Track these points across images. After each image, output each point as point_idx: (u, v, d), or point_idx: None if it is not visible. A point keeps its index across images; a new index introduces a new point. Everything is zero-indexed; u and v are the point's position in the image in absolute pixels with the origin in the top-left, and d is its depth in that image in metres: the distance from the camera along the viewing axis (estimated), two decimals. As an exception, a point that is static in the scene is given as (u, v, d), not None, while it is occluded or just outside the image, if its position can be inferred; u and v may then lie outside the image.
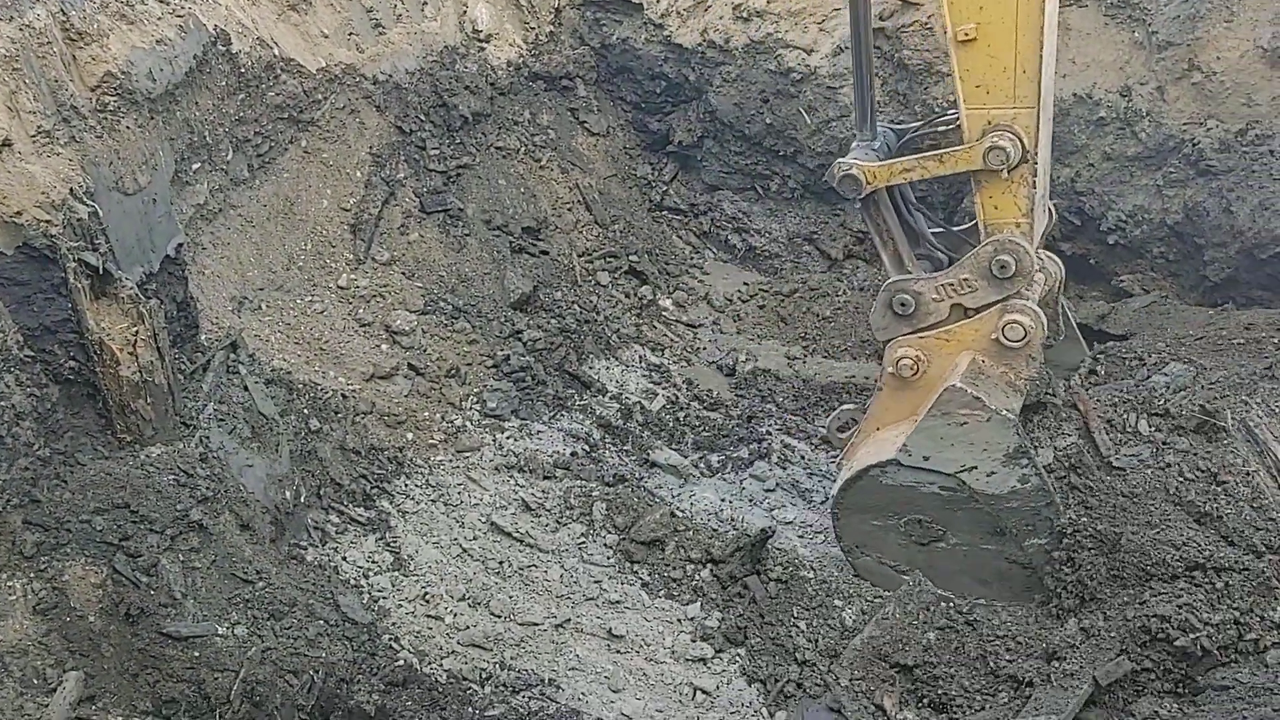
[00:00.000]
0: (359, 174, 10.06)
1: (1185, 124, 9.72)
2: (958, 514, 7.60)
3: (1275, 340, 8.42)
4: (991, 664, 7.09)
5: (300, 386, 8.34)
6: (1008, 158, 6.98)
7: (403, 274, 9.85)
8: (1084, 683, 6.59)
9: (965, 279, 7.51)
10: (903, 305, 7.78)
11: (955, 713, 7.01)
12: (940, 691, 7.17)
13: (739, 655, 7.58)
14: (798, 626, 7.80)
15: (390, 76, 10.61)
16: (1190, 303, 9.91)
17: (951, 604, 7.77)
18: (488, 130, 11.33)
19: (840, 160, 7.69)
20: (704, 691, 7.27)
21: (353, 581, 7.54)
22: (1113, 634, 6.76)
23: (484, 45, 11.56)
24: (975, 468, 7.36)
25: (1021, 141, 7.01)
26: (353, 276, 9.61)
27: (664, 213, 12.48)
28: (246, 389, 7.87)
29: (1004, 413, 7.23)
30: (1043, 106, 7.02)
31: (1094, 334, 9.82)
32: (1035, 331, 7.37)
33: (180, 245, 7.92)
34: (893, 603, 7.78)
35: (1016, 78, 6.81)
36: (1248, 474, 6.29)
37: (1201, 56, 9.64)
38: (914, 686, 7.31)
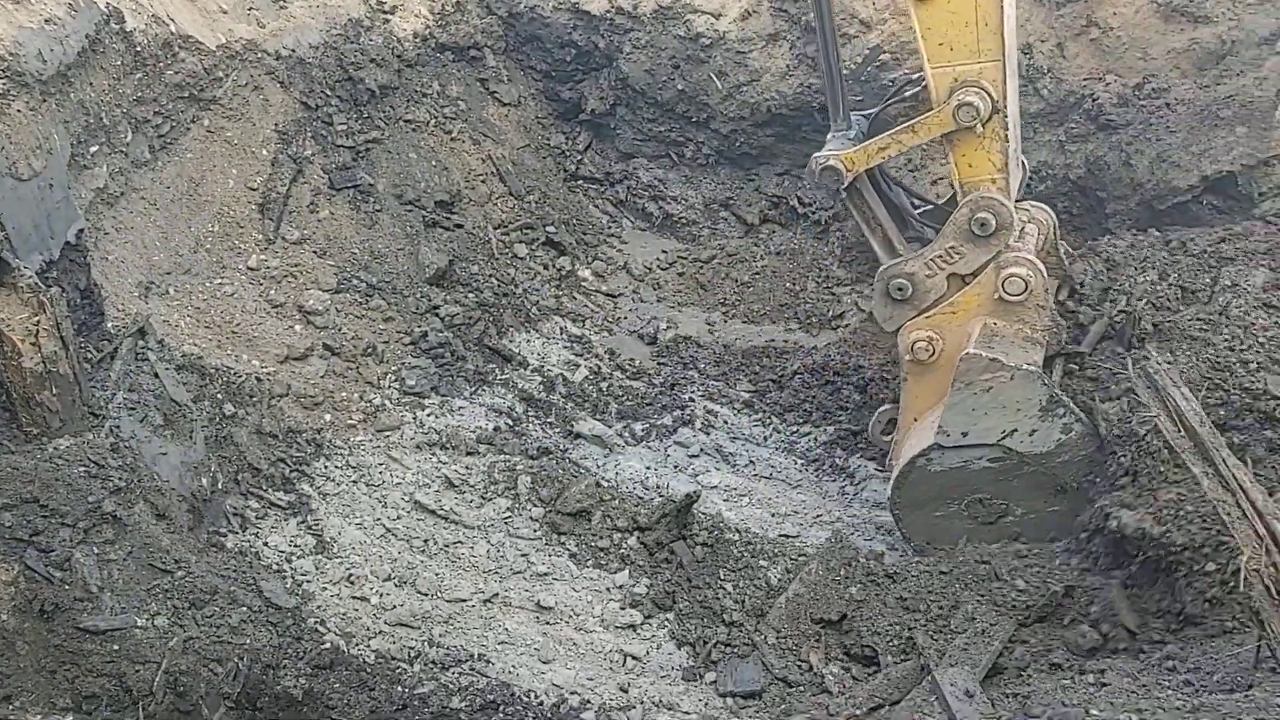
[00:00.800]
0: (265, 152, 9.85)
1: (1085, 80, 9.93)
2: (1014, 482, 7.44)
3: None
4: (912, 616, 7.25)
5: (212, 371, 8.18)
6: (978, 113, 7.02)
7: (314, 253, 9.68)
8: (1001, 634, 6.78)
9: (951, 247, 7.51)
10: (900, 290, 7.76)
11: (879, 663, 7.17)
12: (864, 644, 7.33)
13: (667, 620, 7.65)
14: (724, 588, 7.90)
15: (293, 51, 10.38)
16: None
17: (872, 557, 7.93)
18: (396, 103, 11.16)
19: (816, 155, 7.68)
20: (634, 657, 7.33)
21: (275, 566, 7.44)
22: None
23: (389, 17, 11.37)
24: (1015, 430, 7.24)
25: (990, 95, 7.05)
26: (263, 257, 9.42)
27: (579, 182, 12.43)
28: (157, 376, 7.69)
29: (1026, 367, 7.13)
30: (1007, 59, 7.07)
31: None
32: (1035, 281, 7.34)
33: (81, 231, 7.69)
34: (815, 560, 7.91)
35: (979, 31, 6.84)
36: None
37: (1099, 12, 9.84)
38: (839, 640, 7.46)
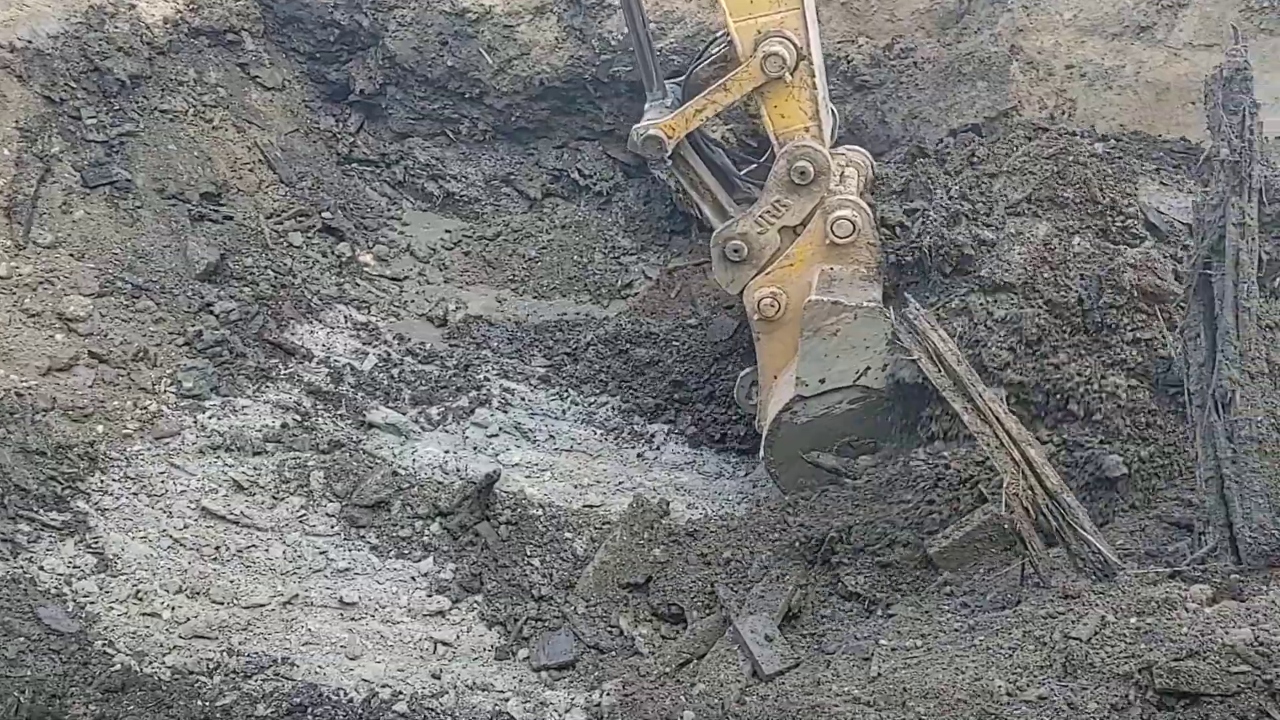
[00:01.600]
0: (6, 152, 9.18)
1: (839, 42, 10.33)
2: (878, 420, 7.56)
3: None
4: (713, 570, 7.49)
5: (-36, 391, 7.62)
6: (785, 62, 7.15)
7: (71, 256, 9.11)
8: (792, 579, 7.08)
9: (776, 201, 7.60)
10: (736, 251, 7.80)
11: (686, 620, 7.37)
12: (671, 603, 7.53)
13: (477, 602, 7.64)
14: (532, 564, 7.95)
15: (30, 43, 9.70)
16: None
17: (673, 519, 8.14)
18: (150, 93, 10.57)
19: (635, 126, 7.65)
20: (444, 643, 7.29)
21: (54, 591, 7.03)
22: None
23: (135, 3, 10.74)
24: (869, 368, 7.37)
25: (794, 43, 7.18)
26: (13, 264, 8.80)
27: (354, 165, 12.11)
28: (-102, 401, 7.11)
29: (867, 304, 7.29)
30: (806, 6, 7.20)
31: None
32: (861, 220, 7.50)
33: None
34: (619, 526, 8.05)
35: None
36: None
37: (849, -24, 10.27)
38: (647, 602, 7.63)
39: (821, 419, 7.66)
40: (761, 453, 8.08)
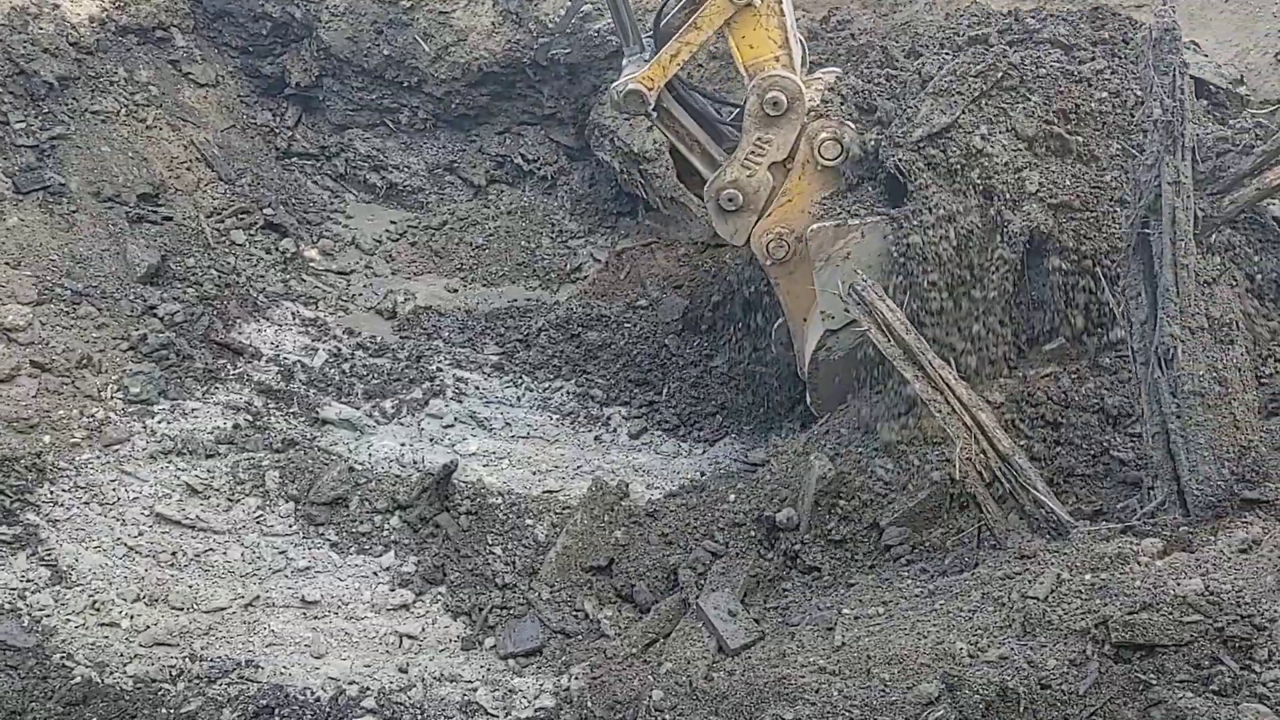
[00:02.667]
0: (-68, 160, 8.98)
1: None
2: None
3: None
4: (673, 550, 7.53)
5: (-98, 408, 7.45)
6: None
7: (6, 264, 8.92)
8: (751, 554, 7.15)
9: (758, 139, 7.45)
10: (730, 200, 7.63)
11: (651, 599, 7.41)
12: (634, 584, 7.56)
13: (440, 594, 7.62)
14: (494, 553, 7.94)
15: (-50, 47, 9.46)
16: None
17: (632, 500, 8.16)
18: (79, 95, 10.36)
19: (614, 85, 7.48)
20: (410, 636, 7.27)
21: (7, 606, 6.91)
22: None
23: (58, 3, 10.50)
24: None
25: None
26: (-53, 276, 8.62)
27: (294, 159, 11.96)
28: None
29: (870, 219, 7.15)
30: None
31: None
32: (846, 137, 7.37)
33: None
34: (579, 510, 8.06)
35: None
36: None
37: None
38: (610, 584, 7.66)
39: (856, 349, 7.38)
40: (807, 399, 7.89)
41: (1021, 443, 6.57)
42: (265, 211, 11.08)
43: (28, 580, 7.15)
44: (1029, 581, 5.34)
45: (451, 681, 6.87)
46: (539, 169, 11.99)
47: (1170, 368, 5.62)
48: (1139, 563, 5.15)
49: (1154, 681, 4.60)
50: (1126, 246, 5.96)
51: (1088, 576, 5.18)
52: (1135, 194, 5.87)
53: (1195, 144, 5.79)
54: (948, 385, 5.82)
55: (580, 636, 7.30)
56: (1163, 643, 4.66)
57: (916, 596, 6.00)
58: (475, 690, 6.77)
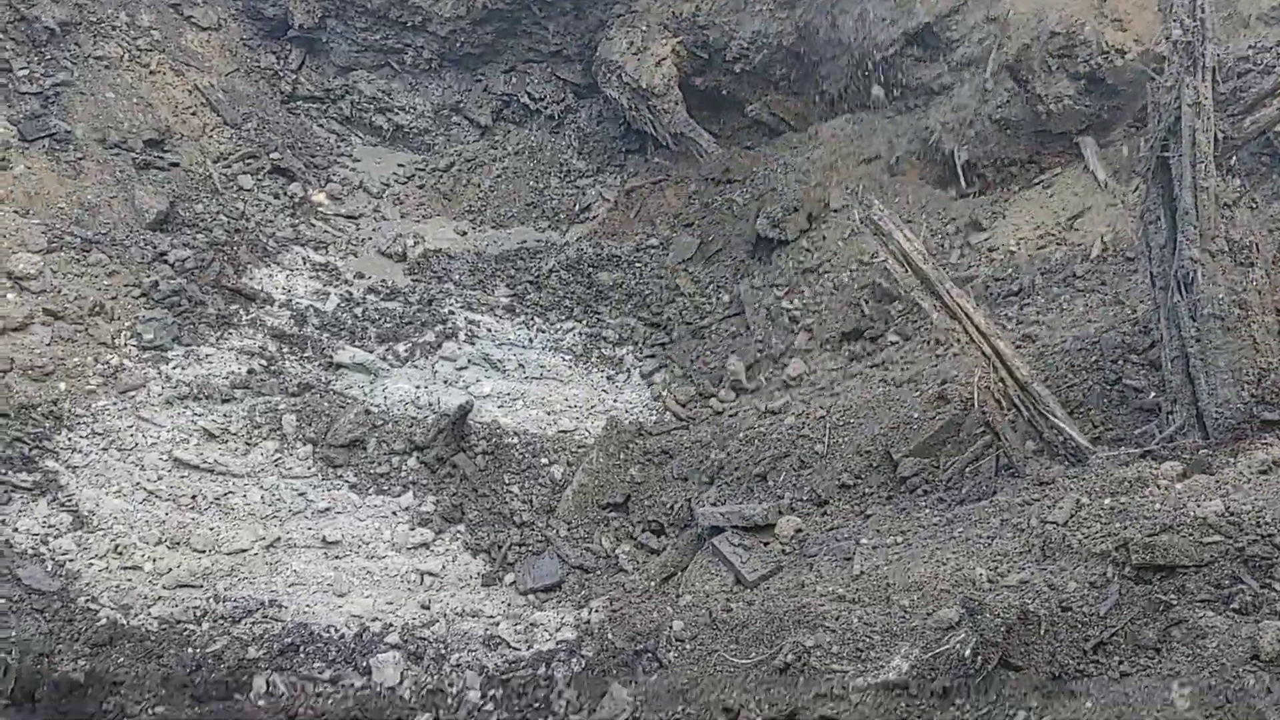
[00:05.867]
0: (-64, 109, 8.91)
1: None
2: None
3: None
4: (686, 486, 7.56)
5: (-81, 357, 7.46)
6: None
7: (15, 213, 8.87)
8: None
9: None
10: None
11: (667, 535, 7.46)
12: (650, 519, 7.60)
13: (460, 532, 7.67)
14: (511, 492, 7.98)
15: (-51, -6, 9.34)
16: (815, 121, 10.53)
17: (648, 437, 8.18)
18: (82, 40, 10.25)
19: None
20: (430, 574, 7.33)
21: (30, 551, 6.97)
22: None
23: (56, -54, 10.34)
24: None
25: None
26: (-44, 225, 8.58)
27: (298, 103, 11.85)
28: None
29: None
30: None
31: None
32: None
33: None
34: (595, 449, 8.08)
35: None
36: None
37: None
38: (626, 520, 7.70)
39: None
40: None
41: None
42: (272, 156, 11.00)
43: (50, 526, 7.20)
44: (1048, 507, 5.34)
45: (474, 617, 6.93)
46: (545, 107, 11.87)
47: (1189, 291, 5.58)
48: (1159, 486, 5.14)
49: (1175, 601, 4.61)
50: (1145, 170, 5.88)
51: (1107, 501, 5.18)
52: (1155, 116, 5.78)
53: (1216, 64, 5.69)
54: (966, 314, 5.78)
55: (598, 572, 7.36)
56: (1183, 563, 4.67)
57: (935, 525, 6.01)
58: (497, 624, 6.84)
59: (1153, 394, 6.40)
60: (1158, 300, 5.82)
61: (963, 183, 9.36)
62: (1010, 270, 8.43)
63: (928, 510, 6.24)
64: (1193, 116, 5.56)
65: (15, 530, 7.08)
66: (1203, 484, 5.07)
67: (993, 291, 8.25)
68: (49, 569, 6.87)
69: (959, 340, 5.83)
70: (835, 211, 9.59)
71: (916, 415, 7.12)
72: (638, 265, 10.31)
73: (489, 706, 6.18)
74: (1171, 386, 5.73)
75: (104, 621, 6.56)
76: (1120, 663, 4.58)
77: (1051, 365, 6.93)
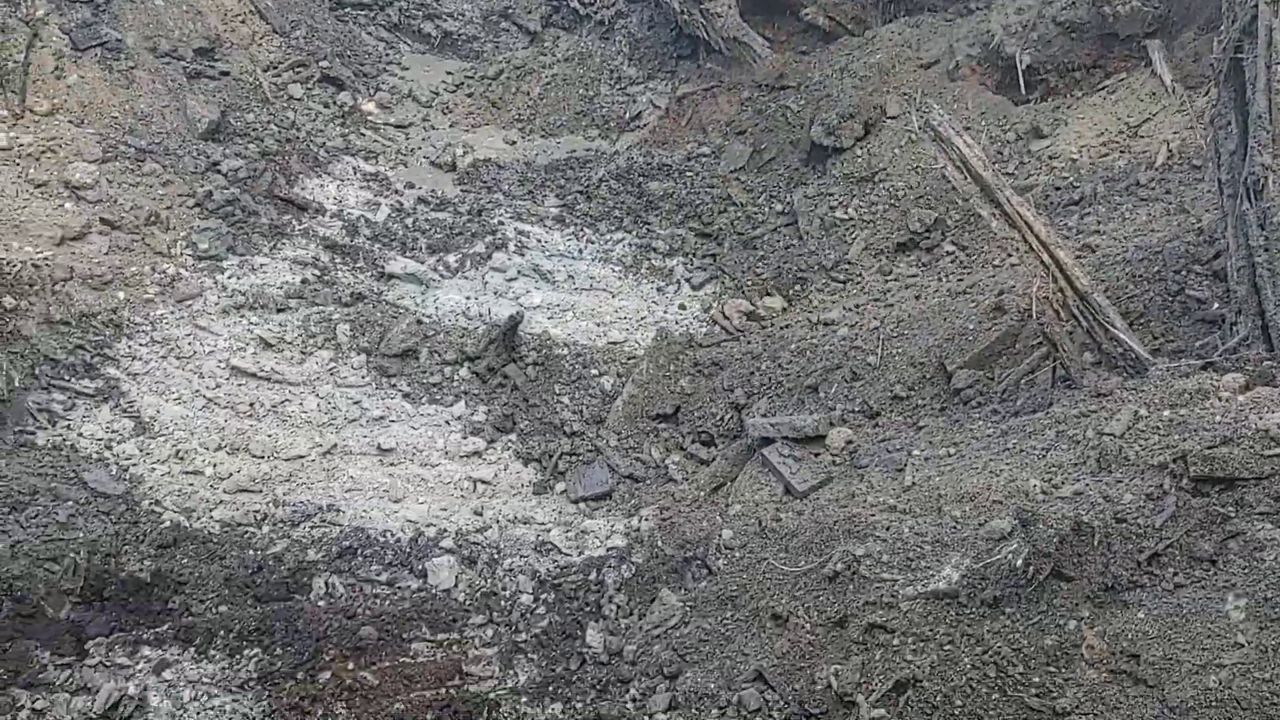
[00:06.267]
0: (-11, 18, 8.93)
1: None
2: None
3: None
4: (737, 396, 7.56)
5: (-19, 265, 7.59)
6: None
7: (70, 122, 8.94)
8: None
9: None
10: None
11: (716, 445, 7.48)
12: (700, 430, 7.62)
13: (511, 441, 7.76)
14: (561, 402, 8.04)
15: (-3, -100, 9.28)
16: (872, 25, 10.26)
17: (698, 348, 8.16)
18: (128, -54, 10.19)
19: None
20: (483, 482, 7.43)
21: (96, 455, 7.15)
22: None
23: None
24: None
25: None
26: (13, 135, 8.65)
27: (347, 9, 11.74)
28: (-82, 279, 7.10)
29: None
30: None
31: None
32: None
33: None
34: (645, 360, 8.09)
35: None
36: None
37: None
38: (676, 431, 7.73)
39: None
40: None
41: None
42: (321, 64, 10.94)
43: (113, 431, 7.38)
44: (1105, 419, 5.28)
45: (525, 523, 7.04)
46: (595, 12, 11.66)
47: (1259, 199, 5.41)
48: (1220, 398, 5.05)
49: (1232, 514, 4.56)
50: (1217, 72, 5.67)
51: (1166, 413, 5.11)
52: (1229, 15, 5.55)
53: (1296, -41, 5.44)
54: (1026, 223, 5.66)
55: (648, 481, 7.42)
56: (1243, 476, 4.61)
57: (989, 437, 5.97)
58: (549, 531, 6.94)
59: (1216, 305, 6.27)
60: (1225, 208, 5.66)
61: (1024, 88, 9.11)
62: (1071, 178, 8.24)
63: (981, 422, 6.19)
64: (1270, 15, 5.35)
65: (80, 435, 7.26)
66: (1266, 396, 4.97)
67: (1053, 200, 8.08)
68: (113, 473, 7.05)
69: (1018, 250, 5.73)
70: (892, 119, 9.38)
71: (972, 326, 7.04)
72: (689, 174, 10.19)
73: (540, 609, 6.30)
74: (1236, 297, 5.60)
75: (168, 524, 6.74)
76: (1175, 574, 4.56)
77: (1112, 275, 6.81)
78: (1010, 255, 6.14)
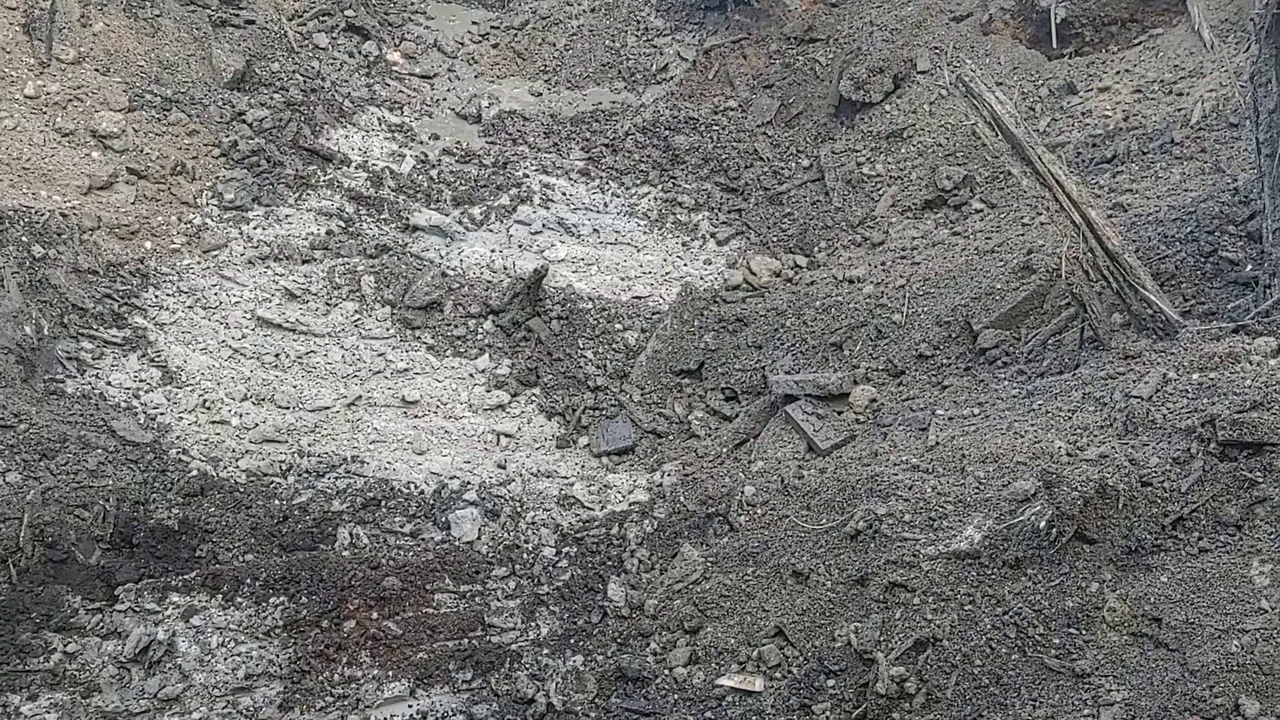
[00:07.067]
0: (15, -35, 8.90)
1: None
2: None
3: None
4: (761, 354, 7.53)
5: (10, 213, 7.62)
6: None
7: (96, 70, 8.93)
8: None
9: None
10: None
11: (740, 402, 7.48)
12: (724, 385, 7.62)
13: (534, 395, 7.78)
14: (585, 356, 8.04)
15: None
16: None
17: (723, 303, 8.13)
18: (151, -107, 10.10)
19: None
20: (506, 435, 7.47)
21: (124, 404, 7.22)
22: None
23: None
24: None
25: None
26: (40, 83, 8.66)
27: (371, -43, 11.63)
28: (-52, 227, 7.14)
29: None
30: None
31: None
32: None
33: None
34: (669, 315, 8.07)
35: None
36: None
37: None
38: (699, 388, 7.73)
39: None
40: None
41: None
42: (346, 13, 10.87)
43: (140, 380, 7.44)
44: (1133, 381, 5.24)
45: (548, 477, 7.07)
46: (622, -40, 11.52)
47: (1298, 160, 5.31)
48: (1250, 362, 5.00)
49: (1260, 480, 4.53)
50: (1258, 28, 5.55)
51: (1195, 376, 5.06)
52: (1272, -31, 5.42)
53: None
54: (1057, 181, 5.58)
55: (671, 437, 7.43)
56: (1272, 441, 4.57)
57: (1014, 398, 5.93)
58: (572, 485, 6.97)
59: (1250, 267, 6.19)
60: (1262, 168, 5.56)
61: (1058, 42, 8.96)
62: (1104, 135, 8.11)
63: (1007, 382, 6.15)
64: (1315, -30, 5.21)
65: (109, 384, 7.32)
66: (1298, 360, 4.92)
67: (1085, 158, 7.96)
68: (141, 421, 7.12)
69: (1048, 208, 5.65)
70: (923, 73, 9.25)
71: (1000, 286, 6.98)
72: (715, 128, 10.11)
73: (563, 562, 6.34)
74: (1271, 259, 5.52)
75: (195, 473, 6.80)
76: (1200, 539, 4.54)
77: (1143, 235, 6.73)
78: (1040, 214, 6.06)
